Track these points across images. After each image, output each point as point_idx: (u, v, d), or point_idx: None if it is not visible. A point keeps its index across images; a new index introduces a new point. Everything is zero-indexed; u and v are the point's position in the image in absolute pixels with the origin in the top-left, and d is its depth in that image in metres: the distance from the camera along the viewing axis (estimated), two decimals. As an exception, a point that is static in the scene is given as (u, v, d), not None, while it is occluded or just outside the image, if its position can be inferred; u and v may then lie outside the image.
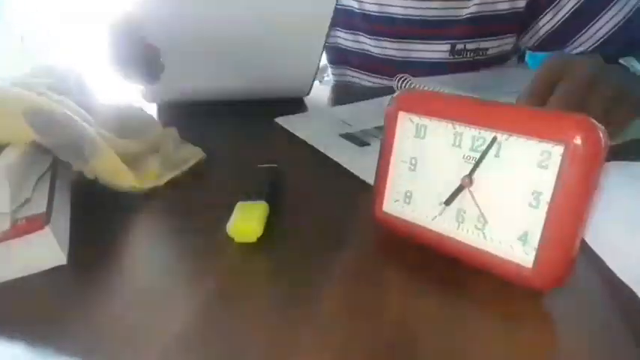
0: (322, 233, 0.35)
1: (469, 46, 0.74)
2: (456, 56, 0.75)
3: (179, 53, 0.57)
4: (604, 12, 0.66)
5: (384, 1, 0.73)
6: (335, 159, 0.46)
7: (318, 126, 0.56)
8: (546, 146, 0.25)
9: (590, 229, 0.32)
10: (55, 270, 0.30)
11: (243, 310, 0.27)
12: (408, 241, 0.32)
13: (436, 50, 0.74)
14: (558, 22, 0.68)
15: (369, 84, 0.85)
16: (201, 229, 0.36)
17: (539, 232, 0.26)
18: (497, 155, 0.27)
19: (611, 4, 0.65)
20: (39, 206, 0.31)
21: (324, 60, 0.86)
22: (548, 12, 0.69)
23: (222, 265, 0.31)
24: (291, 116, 0.59)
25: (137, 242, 0.34)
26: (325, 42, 0.60)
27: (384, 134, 0.33)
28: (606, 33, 0.67)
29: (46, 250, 0.30)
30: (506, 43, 0.75)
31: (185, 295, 0.28)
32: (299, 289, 0.28)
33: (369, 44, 0.79)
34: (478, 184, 0.28)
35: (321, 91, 0.75)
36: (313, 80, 0.66)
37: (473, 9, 0.70)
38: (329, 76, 0.97)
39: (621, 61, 0.53)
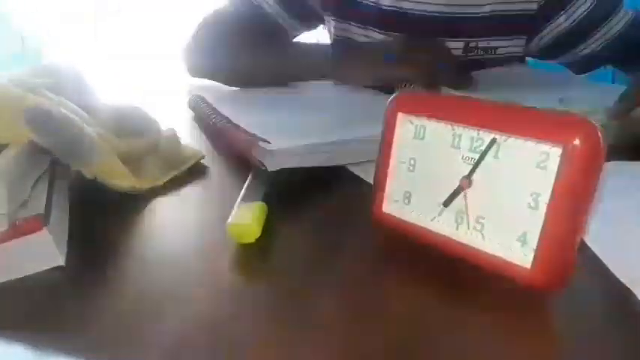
0: (321, 233, 0.35)
1: (481, 44, 0.74)
2: (468, 54, 0.75)
3: None
4: (612, 16, 0.67)
5: None
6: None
7: None
8: (545, 147, 0.25)
9: (590, 230, 0.32)
10: (54, 270, 0.30)
11: (243, 310, 0.27)
12: (407, 242, 0.32)
13: (450, 47, 0.74)
14: (573, 23, 0.69)
15: None
16: (200, 229, 0.36)
17: (538, 233, 0.25)
18: (496, 156, 0.27)
19: (620, 5, 0.66)
20: (37, 207, 0.31)
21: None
22: (562, 14, 0.69)
23: (221, 265, 0.31)
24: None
25: (136, 243, 0.34)
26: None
27: (384, 135, 0.33)
28: (613, 35, 0.68)
29: (44, 252, 0.30)
30: (515, 44, 0.75)
31: (185, 295, 0.28)
32: (298, 289, 0.28)
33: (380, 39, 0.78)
34: (477, 185, 0.28)
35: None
36: None
37: (487, 8, 0.70)
38: None
39: None
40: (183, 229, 0.36)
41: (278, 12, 0.76)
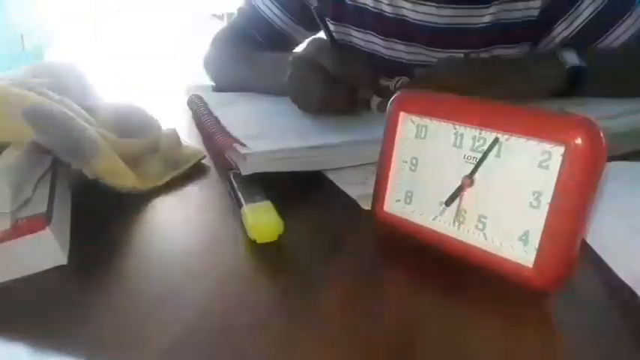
0: (322, 233, 0.35)
1: (483, 55, 0.73)
2: None
3: None
4: (620, 22, 0.66)
5: (399, 3, 0.72)
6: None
7: None
8: (547, 147, 0.25)
9: (591, 229, 0.32)
10: (56, 270, 0.30)
11: (243, 310, 0.27)
12: (408, 241, 0.32)
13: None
14: (573, 31, 0.68)
15: None
16: (200, 229, 0.36)
17: (540, 232, 0.26)
18: (497, 156, 0.27)
19: (628, 13, 0.65)
20: (39, 206, 0.31)
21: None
22: (562, 22, 0.69)
23: (221, 265, 0.31)
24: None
25: (137, 242, 0.34)
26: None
27: (385, 134, 0.33)
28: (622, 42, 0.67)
29: (46, 251, 0.30)
30: (518, 52, 0.75)
31: (185, 295, 0.28)
32: (298, 288, 0.28)
33: (380, 44, 0.78)
34: (478, 184, 0.28)
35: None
36: None
37: (487, 18, 0.70)
38: None
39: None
40: (184, 229, 0.36)
41: (282, 19, 0.76)
